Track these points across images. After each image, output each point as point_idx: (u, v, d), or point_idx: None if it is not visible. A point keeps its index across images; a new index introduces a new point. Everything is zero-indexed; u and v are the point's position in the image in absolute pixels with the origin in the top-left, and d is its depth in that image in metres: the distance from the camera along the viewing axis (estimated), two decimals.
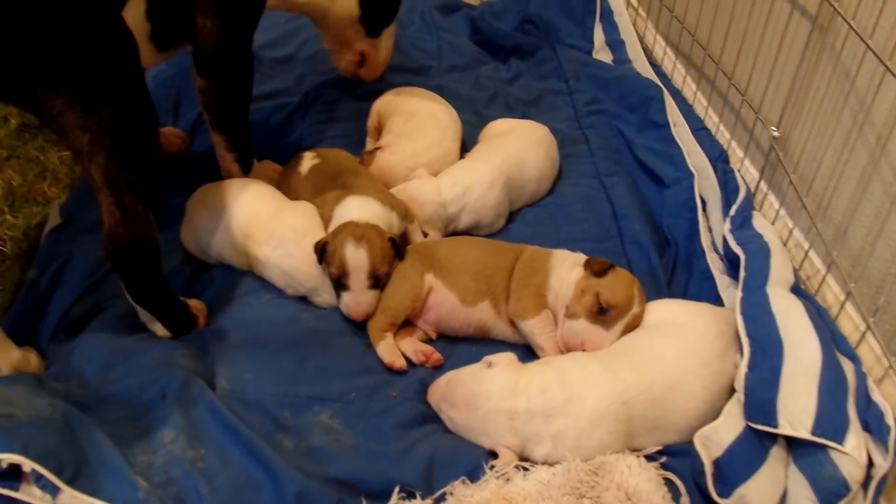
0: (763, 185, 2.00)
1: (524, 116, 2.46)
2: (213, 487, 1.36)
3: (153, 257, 1.55)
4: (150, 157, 1.50)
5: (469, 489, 1.38)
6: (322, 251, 1.74)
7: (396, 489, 1.39)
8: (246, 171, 2.05)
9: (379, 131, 2.35)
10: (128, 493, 1.31)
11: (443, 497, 1.39)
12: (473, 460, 1.45)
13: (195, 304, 1.74)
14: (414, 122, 2.20)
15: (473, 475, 1.42)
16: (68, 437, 1.35)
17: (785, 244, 1.82)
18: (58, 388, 1.52)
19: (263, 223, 1.83)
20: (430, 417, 1.56)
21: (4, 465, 1.26)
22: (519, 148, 2.15)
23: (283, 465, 1.39)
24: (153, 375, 1.55)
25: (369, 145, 2.39)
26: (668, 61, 2.63)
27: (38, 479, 1.28)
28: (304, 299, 1.83)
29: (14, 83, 1.34)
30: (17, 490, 1.27)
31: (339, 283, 1.72)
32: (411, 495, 1.39)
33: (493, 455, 1.47)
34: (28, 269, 1.83)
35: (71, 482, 1.30)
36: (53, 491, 1.28)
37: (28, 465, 1.27)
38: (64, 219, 1.95)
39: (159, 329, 1.69)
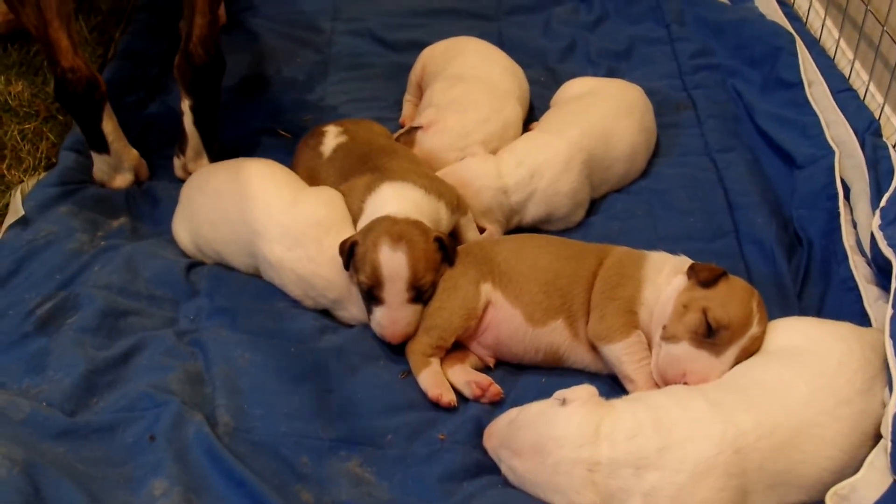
0: None
1: (611, 73, 2.49)
2: None
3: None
4: None
5: None
6: (350, 253, 1.79)
7: None
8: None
9: (420, 89, 2.40)
10: None
11: None
12: None
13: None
14: (461, 89, 2.23)
15: None
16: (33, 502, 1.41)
17: None
18: (23, 407, 1.58)
19: (275, 216, 1.88)
20: (487, 467, 1.60)
21: None
22: (603, 115, 2.18)
23: None
24: (140, 405, 1.63)
25: (407, 108, 2.44)
26: (803, 0, 2.63)
27: None
28: (325, 312, 1.89)
29: None
30: None
31: (372, 295, 1.77)
32: None
33: None
34: None
35: None
36: None
37: None
38: (28, 212, 2.03)
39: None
